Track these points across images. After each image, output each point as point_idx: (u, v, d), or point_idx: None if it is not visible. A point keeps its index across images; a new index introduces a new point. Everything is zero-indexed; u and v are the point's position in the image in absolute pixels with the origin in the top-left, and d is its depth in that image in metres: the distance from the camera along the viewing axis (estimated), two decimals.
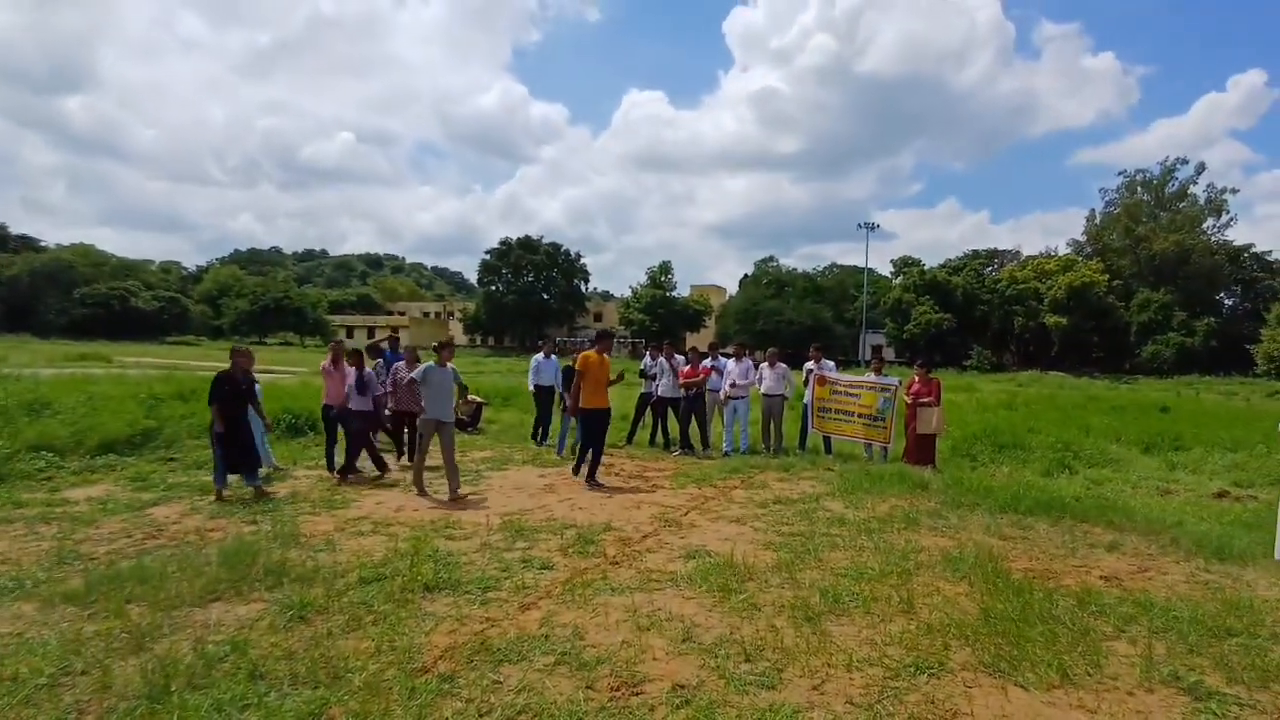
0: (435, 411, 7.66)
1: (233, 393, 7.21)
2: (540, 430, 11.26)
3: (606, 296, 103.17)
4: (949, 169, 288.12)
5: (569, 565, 5.22)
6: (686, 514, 6.96)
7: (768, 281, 78.99)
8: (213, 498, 7.00)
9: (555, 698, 3.23)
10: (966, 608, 4.42)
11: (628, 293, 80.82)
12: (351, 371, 8.49)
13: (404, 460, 9.45)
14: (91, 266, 73.56)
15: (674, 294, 76.89)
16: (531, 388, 11.30)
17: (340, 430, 8.57)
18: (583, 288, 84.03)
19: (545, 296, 79.09)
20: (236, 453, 7.14)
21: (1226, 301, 62.38)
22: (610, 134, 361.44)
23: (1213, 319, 55.53)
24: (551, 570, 5.09)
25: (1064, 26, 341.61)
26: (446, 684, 3.33)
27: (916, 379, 10.19)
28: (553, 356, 11.60)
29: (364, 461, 8.63)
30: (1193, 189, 62.61)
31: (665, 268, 77.36)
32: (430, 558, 5.19)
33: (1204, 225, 61.30)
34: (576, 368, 8.52)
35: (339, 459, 8.43)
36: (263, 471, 8.44)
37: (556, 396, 11.38)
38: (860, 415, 10.55)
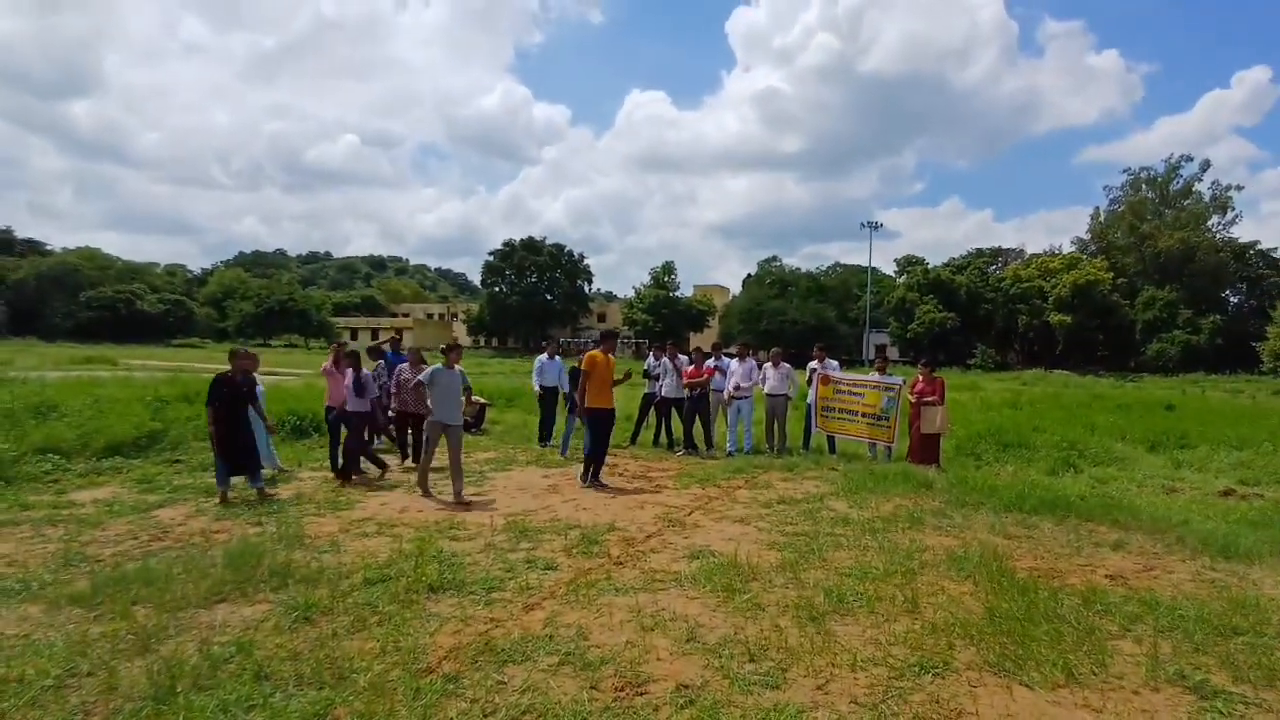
0: (442, 414, 7.63)
1: (231, 395, 7.21)
2: (544, 432, 11.26)
3: (610, 297, 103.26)
4: (952, 167, 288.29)
5: (573, 566, 5.22)
6: (690, 514, 6.96)
7: (771, 281, 78.89)
8: (217, 500, 7.02)
9: (559, 698, 3.24)
10: (971, 607, 4.41)
11: (631, 293, 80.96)
12: (350, 373, 8.49)
13: (407, 462, 9.45)
14: (97, 270, 73.78)
15: (677, 294, 76.91)
16: (536, 389, 11.29)
17: (343, 431, 8.58)
18: (586, 288, 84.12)
19: (548, 297, 79.15)
20: (238, 455, 7.16)
21: (1232, 299, 62.13)
22: (613, 134, 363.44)
23: (1218, 316, 55.28)
24: (555, 571, 5.10)
25: (1067, 24, 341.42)
26: (451, 684, 3.34)
27: (920, 378, 10.16)
28: (556, 357, 11.61)
29: (367, 462, 8.65)
30: (1197, 186, 62.45)
31: (668, 268, 77.41)
32: (435, 559, 5.20)
33: (1209, 222, 61.07)
34: (582, 368, 8.49)
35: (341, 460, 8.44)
36: (267, 473, 8.47)
37: (560, 398, 11.41)
38: (864, 415, 10.53)
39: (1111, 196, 67.31)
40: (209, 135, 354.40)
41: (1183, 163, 62.90)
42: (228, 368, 7.55)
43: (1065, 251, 66.31)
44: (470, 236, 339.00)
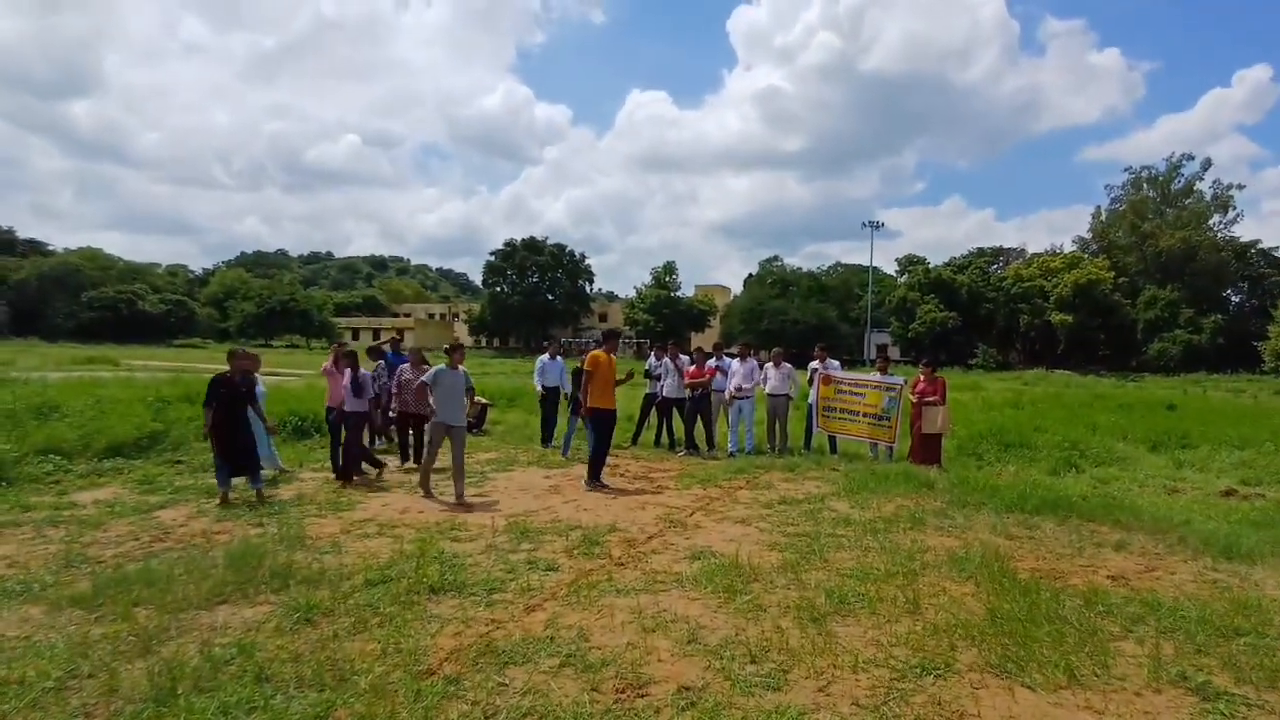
0: (446, 415, 7.59)
1: (229, 395, 7.21)
2: (546, 433, 11.25)
3: (611, 297, 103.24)
4: (953, 167, 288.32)
5: (574, 567, 5.22)
6: (691, 515, 6.96)
7: (772, 281, 78.89)
8: (218, 501, 7.02)
9: (560, 699, 3.24)
10: (973, 608, 4.40)
11: (632, 293, 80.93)
12: (348, 373, 8.48)
13: (408, 464, 9.43)
14: (99, 270, 73.83)
15: (679, 294, 76.89)
16: (539, 389, 11.29)
17: (344, 432, 8.56)
18: (587, 288, 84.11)
19: (550, 297, 79.16)
20: (237, 456, 7.15)
21: (1233, 298, 62.03)
22: (614, 134, 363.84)
23: (1220, 316, 55.18)
24: (557, 572, 5.10)
25: (1068, 23, 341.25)
26: (452, 686, 3.33)
27: (921, 378, 10.16)
28: (558, 358, 11.61)
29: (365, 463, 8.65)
30: (1199, 185, 62.32)
31: (670, 268, 77.39)
32: (436, 560, 5.20)
33: (1210, 221, 60.93)
34: (586, 368, 8.46)
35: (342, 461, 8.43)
36: (268, 473, 8.48)
37: (562, 398, 11.41)
38: (865, 415, 10.52)
39: (1113, 195, 67.32)
40: (210, 135, 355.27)
41: (1184, 161, 62.90)
42: (227, 368, 7.55)
43: (1066, 251, 66.25)
44: (472, 236, 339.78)
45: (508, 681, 3.40)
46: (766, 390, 11.01)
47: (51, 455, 8.37)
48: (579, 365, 9.15)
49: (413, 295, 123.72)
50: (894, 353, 60.37)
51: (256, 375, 8.61)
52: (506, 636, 3.90)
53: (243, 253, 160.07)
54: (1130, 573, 5.28)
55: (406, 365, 9.67)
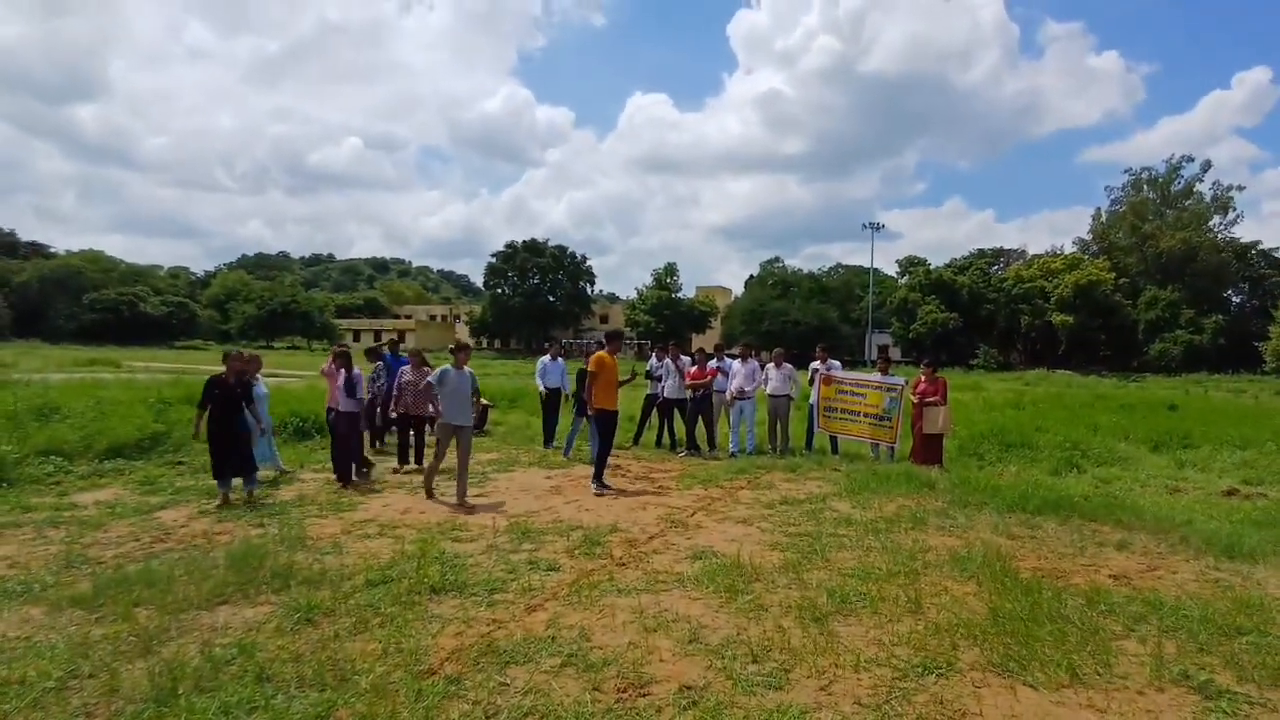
0: (452, 415, 7.54)
1: (223, 397, 7.21)
2: (548, 433, 11.25)
3: (612, 299, 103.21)
4: (954, 168, 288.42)
5: (575, 567, 5.22)
6: (693, 515, 6.95)
7: (773, 282, 78.90)
8: (218, 501, 7.02)
9: (562, 699, 3.23)
10: (975, 607, 4.40)
11: (633, 295, 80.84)
12: (342, 373, 8.46)
13: (407, 466, 9.39)
14: (101, 272, 73.89)
15: (680, 295, 76.83)
16: (542, 390, 11.30)
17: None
18: (588, 290, 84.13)
19: (551, 299, 79.18)
20: (232, 457, 7.15)
21: (1234, 299, 61.96)
22: (615, 137, 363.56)
23: (1220, 316, 55.12)
24: (558, 572, 5.09)
25: (1068, 25, 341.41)
26: (453, 686, 3.33)
27: (923, 378, 10.15)
28: (559, 359, 11.61)
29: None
30: (1199, 186, 62.27)
31: (671, 269, 77.35)
32: (437, 560, 5.20)
33: (1210, 222, 60.88)
34: (590, 369, 8.38)
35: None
36: (269, 474, 8.48)
37: (563, 398, 11.41)
38: (866, 415, 10.52)
39: (1113, 197, 67.25)
40: (213, 139, 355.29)
41: (1184, 163, 62.84)
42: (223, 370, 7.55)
43: (1067, 252, 66.20)
44: (473, 238, 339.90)
45: (509, 681, 3.40)
46: (767, 391, 11.01)
47: (53, 456, 8.38)
48: (582, 366, 9.13)
49: (414, 297, 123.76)
50: (895, 353, 60.35)
51: (258, 376, 8.64)
52: (508, 636, 3.90)
53: (244, 255, 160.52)
54: (1132, 572, 5.27)
55: (407, 367, 9.63)
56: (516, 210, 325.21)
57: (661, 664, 3.61)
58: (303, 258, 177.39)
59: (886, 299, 67.49)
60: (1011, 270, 65.78)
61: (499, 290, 79.29)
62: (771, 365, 11.15)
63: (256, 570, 4.82)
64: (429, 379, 7.81)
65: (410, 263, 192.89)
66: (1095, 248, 66.03)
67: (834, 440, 10.90)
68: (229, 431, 7.16)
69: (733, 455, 10.63)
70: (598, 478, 8.14)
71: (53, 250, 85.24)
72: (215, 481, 7.19)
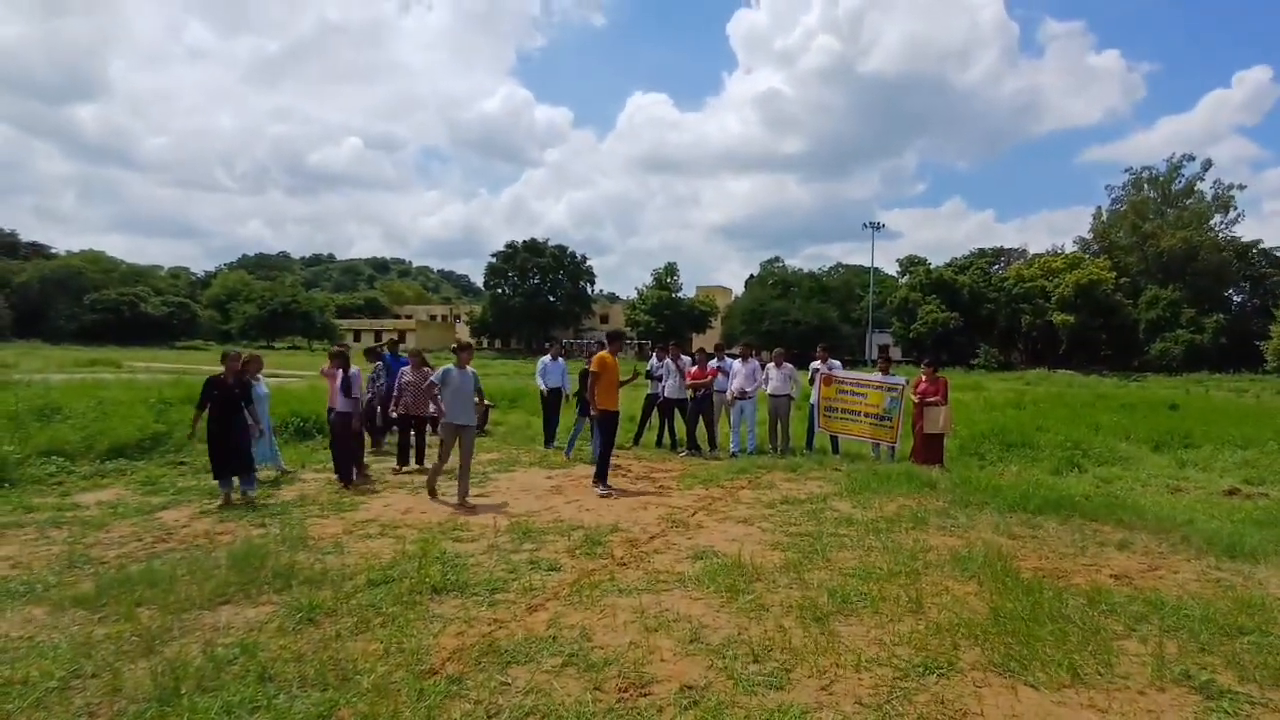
0: (455, 415, 7.50)
1: (222, 397, 7.21)
2: (549, 433, 11.25)
3: (612, 298, 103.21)
4: (954, 168, 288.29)
5: (576, 567, 5.22)
6: (694, 515, 6.95)
7: (773, 282, 78.87)
8: (220, 501, 7.03)
9: (563, 699, 3.23)
10: (976, 607, 4.40)
11: (633, 294, 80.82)
12: (339, 373, 8.46)
13: (407, 467, 9.36)
14: (101, 273, 73.91)
15: (680, 295, 76.82)
16: (544, 389, 11.31)
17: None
18: (588, 290, 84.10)
19: (551, 299, 79.17)
20: (230, 457, 7.15)
21: (1235, 298, 61.87)
22: (615, 137, 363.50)
23: (1221, 316, 55.05)
24: (559, 572, 5.10)
25: (1068, 24, 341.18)
26: (454, 685, 3.34)
27: (923, 378, 10.15)
28: (559, 359, 11.61)
29: (377, 463, 8.63)
30: (1199, 185, 62.16)
31: (671, 269, 77.33)
32: (438, 560, 5.20)
33: (1211, 222, 60.79)
34: (593, 369, 8.30)
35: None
36: (271, 474, 8.49)
37: (564, 399, 11.42)
38: (867, 415, 10.52)
39: (1114, 196, 67.18)
40: (213, 139, 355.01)
41: (1184, 162, 62.74)
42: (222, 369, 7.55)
43: (1068, 251, 66.13)
44: (473, 238, 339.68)
45: (510, 681, 3.40)
46: (768, 391, 11.01)
47: (54, 457, 8.39)
48: (585, 367, 9.11)
49: (414, 297, 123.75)
50: (896, 353, 60.32)
51: (259, 376, 8.63)
52: (509, 636, 3.90)
53: (245, 255, 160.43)
54: (1133, 572, 5.27)
55: (407, 368, 9.63)
56: (516, 210, 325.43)
57: (662, 664, 3.61)
58: (303, 258, 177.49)
59: (887, 299, 67.47)
60: (1012, 270, 65.74)
61: (499, 290, 79.30)
62: (772, 365, 11.15)
63: (258, 570, 4.83)
64: (432, 378, 7.75)
65: (410, 263, 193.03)
66: (1096, 247, 65.98)
67: (835, 440, 10.91)
68: (228, 432, 7.16)
69: (733, 455, 10.63)
70: (602, 479, 8.11)
71: (53, 250, 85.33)
72: (216, 482, 7.20)
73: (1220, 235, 60.27)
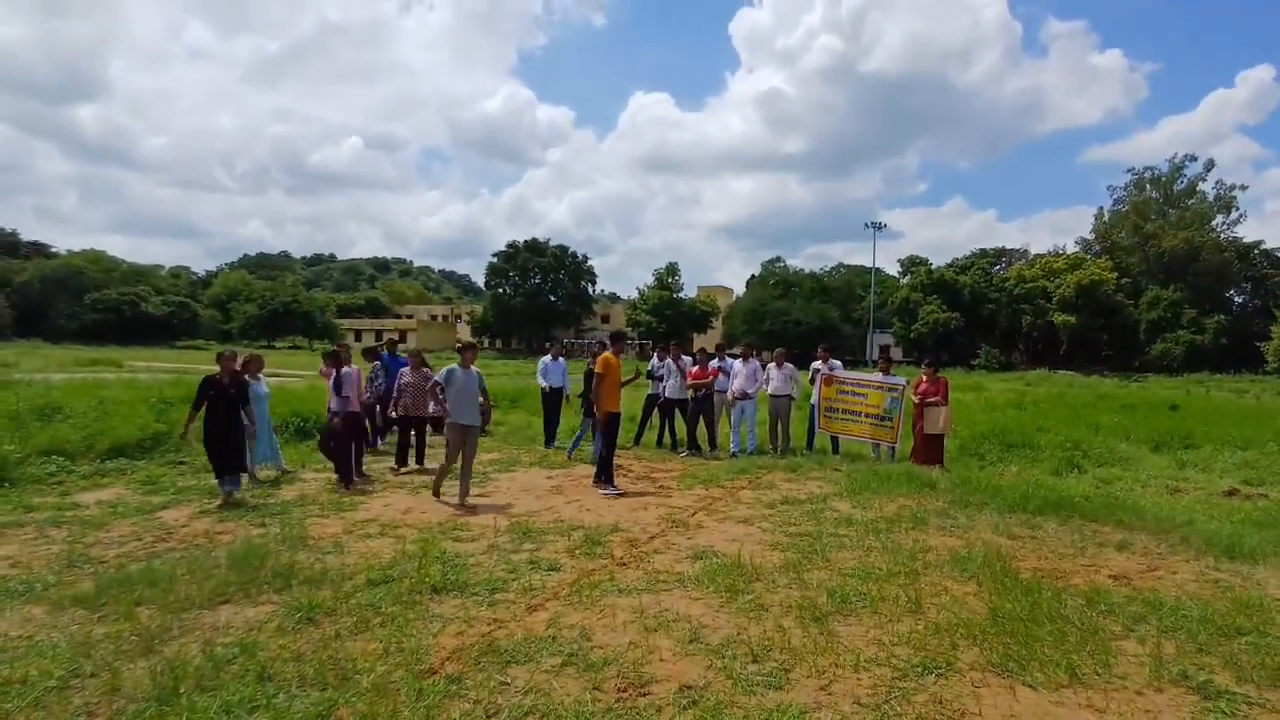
0: (460, 415, 7.44)
1: (218, 397, 7.21)
2: (549, 433, 11.25)
3: (613, 298, 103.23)
4: (955, 168, 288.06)
5: (576, 567, 5.23)
6: (694, 515, 6.96)
7: (775, 282, 78.88)
8: (220, 501, 7.04)
9: (562, 699, 3.24)
10: (975, 607, 4.40)
11: (634, 294, 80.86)
12: (333, 373, 8.46)
13: (405, 468, 9.35)
14: (102, 272, 73.96)
15: (681, 295, 76.84)
16: (545, 386, 11.32)
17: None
18: (590, 290, 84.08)
19: (552, 299, 79.19)
20: (223, 456, 7.15)
21: (1236, 299, 61.86)
22: (616, 136, 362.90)
23: (1223, 316, 55.04)
24: (559, 572, 5.10)
25: (1071, 24, 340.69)
26: (454, 685, 3.34)
27: (924, 378, 10.15)
28: (560, 359, 11.62)
29: (374, 463, 8.63)
30: (1201, 186, 62.17)
31: (672, 269, 77.34)
32: (438, 560, 5.21)
33: (1213, 222, 60.79)
34: (598, 370, 8.21)
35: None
36: (271, 473, 8.49)
37: (565, 399, 11.42)
38: (868, 415, 10.52)
39: (1115, 196, 67.18)
40: (213, 139, 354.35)
41: (1186, 162, 62.73)
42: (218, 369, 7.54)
43: (1069, 251, 66.13)
44: (474, 238, 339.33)
45: (510, 680, 3.41)
46: (769, 391, 11.02)
47: (55, 456, 8.40)
48: (589, 368, 9.08)
49: (415, 297, 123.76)
50: (897, 353, 60.32)
51: (260, 376, 8.63)
52: (509, 636, 3.91)
53: (245, 255, 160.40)
54: (1132, 572, 5.27)
55: (407, 369, 9.62)
56: (517, 210, 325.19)
57: (662, 664, 3.62)
58: (304, 257, 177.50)
59: (888, 299, 67.48)
60: (1013, 270, 65.72)
61: (500, 290, 79.31)
62: (773, 365, 11.16)
63: (258, 570, 4.83)
64: (435, 378, 7.69)
65: (411, 262, 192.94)
66: (1097, 247, 65.97)
67: (835, 440, 10.91)
68: (223, 432, 7.16)
69: (734, 455, 10.64)
70: (609, 480, 8.07)
71: (54, 250, 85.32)
72: (217, 481, 7.20)
73: (1222, 236, 60.28)
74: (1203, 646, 3.88)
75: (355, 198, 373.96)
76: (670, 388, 10.94)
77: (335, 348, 8.94)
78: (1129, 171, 75.20)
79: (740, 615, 4.26)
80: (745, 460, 10.16)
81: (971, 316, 61.50)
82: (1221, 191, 61.35)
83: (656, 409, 11.43)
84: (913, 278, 66.90)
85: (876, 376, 10.83)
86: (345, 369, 8.27)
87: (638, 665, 3.58)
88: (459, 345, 8.06)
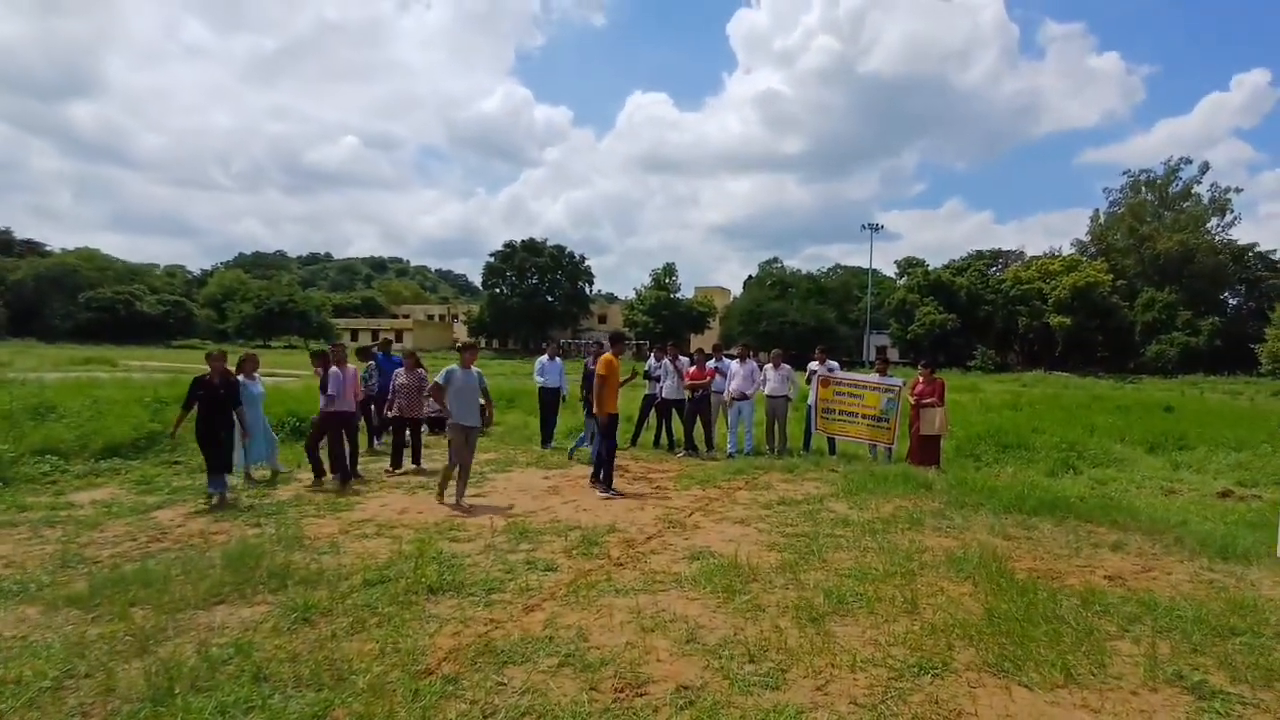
0: (462, 416, 7.37)
1: (208, 397, 7.19)
2: (546, 433, 11.23)
3: (610, 299, 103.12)
4: (952, 169, 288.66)
5: (573, 567, 5.22)
6: (691, 515, 6.96)
7: (772, 283, 78.88)
8: (215, 501, 7.02)
9: (559, 699, 3.24)
10: (970, 608, 4.41)
11: (632, 295, 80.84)
12: (321, 372, 8.43)
13: (400, 469, 9.31)
14: (96, 271, 73.71)
15: (678, 296, 76.84)
16: (541, 382, 11.31)
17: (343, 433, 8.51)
18: (587, 290, 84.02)
19: (549, 299, 79.12)
20: (213, 455, 7.13)
21: (1231, 301, 62.20)
22: (614, 136, 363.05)
23: (1217, 318, 55.34)
24: (555, 572, 5.10)
25: (1068, 26, 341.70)
26: (450, 686, 3.34)
27: (920, 379, 10.17)
28: (557, 358, 11.61)
29: (371, 463, 8.60)
30: (1196, 188, 62.45)
31: (669, 269, 77.32)
32: (434, 560, 5.20)
33: (1208, 224, 61.07)
34: (600, 372, 8.06)
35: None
36: (265, 473, 8.47)
37: (561, 399, 11.41)
38: (864, 416, 10.54)
39: (1111, 199, 67.44)
40: (210, 137, 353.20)
41: (1182, 165, 63.03)
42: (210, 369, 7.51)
43: (1065, 253, 66.35)
44: (471, 238, 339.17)
45: (506, 681, 3.40)
46: (766, 392, 11.02)
47: (48, 455, 8.37)
48: (589, 368, 9.01)
49: (412, 296, 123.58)
50: (893, 354, 60.50)
51: (256, 375, 8.62)
52: (505, 636, 3.90)
53: (241, 254, 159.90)
54: (1127, 573, 5.29)
55: (402, 370, 9.59)
56: (514, 210, 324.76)
57: (658, 664, 3.62)
58: (300, 257, 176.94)
59: (885, 300, 67.58)
60: (1009, 271, 65.92)
61: (497, 290, 79.20)
62: (770, 366, 11.16)
63: (253, 570, 4.82)
64: (436, 379, 7.60)
65: (408, 262, 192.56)
66: (1093, 249, 66.21)
67: (831, 441, 10.92)
68: (213, 431, 7.13)
69: (730, 456, 10.64)
70: (608, 482, 8.03)
71: (48, 248, 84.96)
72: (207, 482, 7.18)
73: (1217, 238, 60.55)
74: (1197, 647, 3.90)
75: (352, 197, 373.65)
76: (667, 388, 10.94)
77: (326, 347, 8.90)
78: (1125, 174, 75.27)
79: (737, 616, 4.26)
80: (742, 461, 10.17)
81: (968, 318, 61.67)
82: (1216, 194, 61.69)
83: (654, 409, 11.43)
84: (909, 279, 67.03)
85: (873, 377, 10.85)
86: (334, 369, 8.22)
87: (634, 665, 3.58)
88: (459, 345, 7.98)
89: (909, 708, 3.23)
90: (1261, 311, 53.89)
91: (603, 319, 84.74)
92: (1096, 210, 69.24)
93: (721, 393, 11.01)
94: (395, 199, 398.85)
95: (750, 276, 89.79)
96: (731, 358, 11.61)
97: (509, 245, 79.05)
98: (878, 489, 8.04)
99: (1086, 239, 68.45)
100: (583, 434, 10.43)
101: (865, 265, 70.40)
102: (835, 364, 11.91)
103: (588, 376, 9.24)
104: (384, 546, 5.63)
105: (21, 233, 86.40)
